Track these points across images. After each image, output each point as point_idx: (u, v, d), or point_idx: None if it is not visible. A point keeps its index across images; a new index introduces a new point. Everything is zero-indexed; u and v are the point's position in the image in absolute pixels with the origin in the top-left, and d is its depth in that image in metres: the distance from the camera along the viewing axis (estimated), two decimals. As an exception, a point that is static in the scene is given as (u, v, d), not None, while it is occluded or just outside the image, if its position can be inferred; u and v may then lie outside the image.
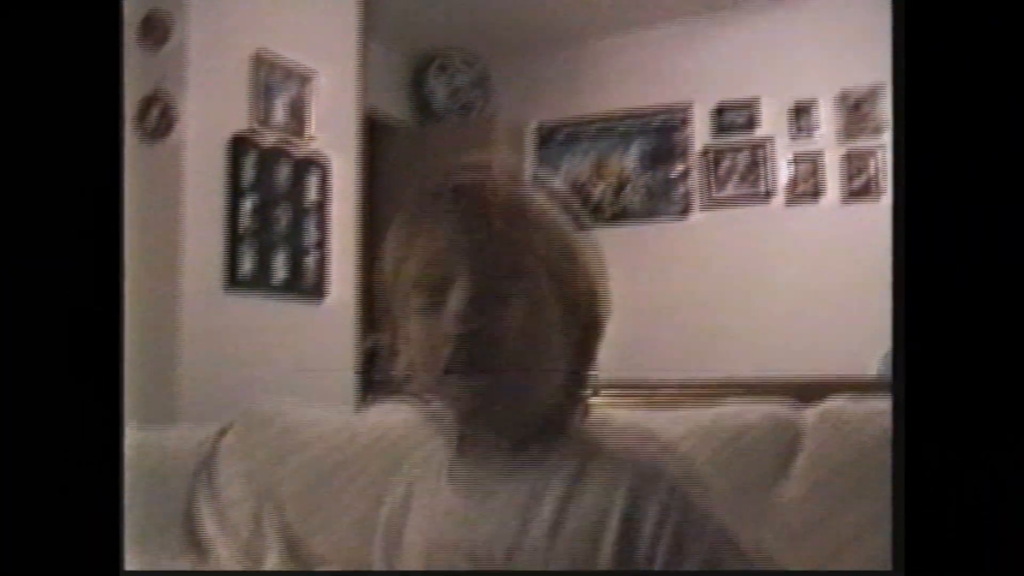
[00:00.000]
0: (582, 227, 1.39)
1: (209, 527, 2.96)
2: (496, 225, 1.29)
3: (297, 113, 5.21)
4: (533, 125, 7.15)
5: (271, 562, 2.76)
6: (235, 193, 4.85)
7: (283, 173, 5.11)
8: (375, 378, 6.61)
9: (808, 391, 2.60)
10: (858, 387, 2.57)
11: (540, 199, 1.37)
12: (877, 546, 2.10)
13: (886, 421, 2.22)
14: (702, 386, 3.61)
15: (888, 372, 4.68)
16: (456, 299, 1.26)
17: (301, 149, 5.21)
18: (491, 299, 1.26)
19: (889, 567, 2.07)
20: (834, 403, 2.38)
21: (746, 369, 5.42)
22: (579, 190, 6.87)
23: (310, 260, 5.23)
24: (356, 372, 5.43)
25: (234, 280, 4.80)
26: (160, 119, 4.66)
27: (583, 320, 1.33)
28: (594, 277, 1.36)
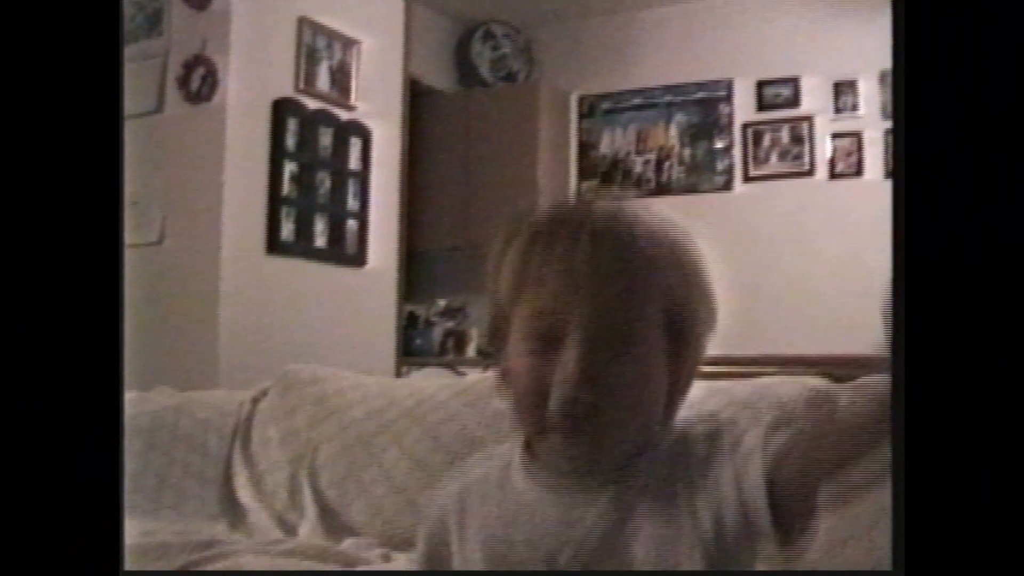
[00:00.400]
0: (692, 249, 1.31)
1: (244, 493, 2.97)
2: (612, 267, 1.21)
3: (341, 79, 5.21)
4: (576, 96, 7.12)
5: (304, 531, 2.76)
6: (277, 157, 4.86)
7: (325, 139, 5.12)
8: (414, 345, 6.63)
9: (845, 368, 2.59)
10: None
11: (655, 227, 1.27)
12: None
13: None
14: (738, 361, 3.60)
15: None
16: (569, 357, 1.19)
17: (344, 115, 5.21)
18: (605, 358, 1.19)
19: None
20: (871, 379, 2.37)
21: (784, 344, 5.40)
22: (621, 162, 6.85)
23: (351, 226, 5.24)
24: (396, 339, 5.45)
25: (275, 244, 4.82)
26: (203, 82, 4.68)
27: (687, 355, 1.27)
28: (704, 302, 1.30)
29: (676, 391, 1.27)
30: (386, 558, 2.45)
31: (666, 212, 1.31)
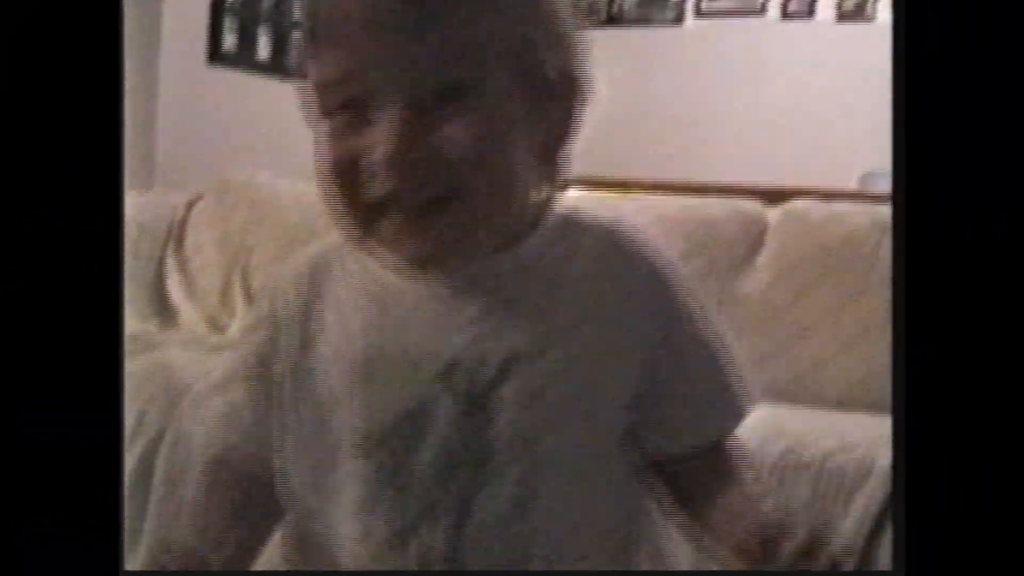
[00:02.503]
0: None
1: (176, 293, 2.98)
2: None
3: None
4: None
5: (235, 328, 2.79)
6: (219, -36, 4.75)
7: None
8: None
9: (779, 197, 2.62)
10: (829, 196, 2.59)
11: None
12: (834, 334, 2.15)
13: (851, 222, 2.26)
14: (675, 186, 3.63)
15: (864, 189, 4.60)
16: (385, 120, 0.91)
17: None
18: (431, 114, 0.91)
19: (838, 352, 2.14)
20: (800, 203, 2.40)
21: (723, 176, 5.43)
22: (573, -9, 6.75)
23: (296, 39, 5.15)
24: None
25: (216, 54, 4.73)
26: None
27: (554, 114, 0.99)
28: (571, 55, 0.99)
29: (549, 144, 1.00)
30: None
31: None
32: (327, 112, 0.95)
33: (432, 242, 0.95)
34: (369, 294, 1.03)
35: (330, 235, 1.05)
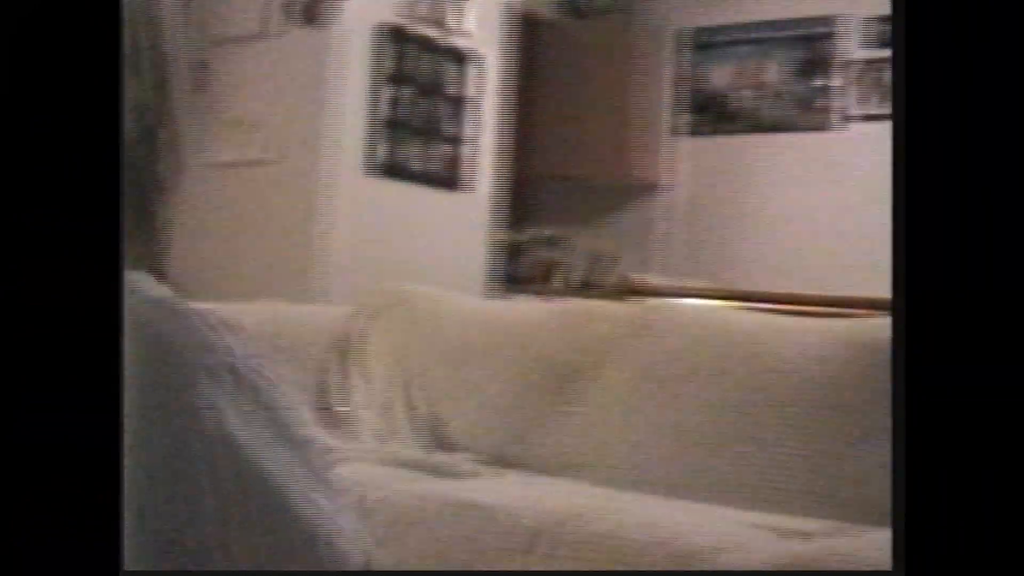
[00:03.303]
0: None
1: (339, 404, 3.04)
2: None
3: (444, 3, 5.20)
4: (674, 29, 7.03)
5: (396, 446, 2.82)
6: (378, 81, 4.89)
7: (429, 64, 5.13)
8: (507, 274, 6.63)
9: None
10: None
11: None
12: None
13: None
14: (831, 300, 3.59)
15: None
16: None
17: (448, 40, 5.21)
18: None
19: None
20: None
21: (878, 286, 5.35)
22: (719, 97, 6.77)
23: (450, 151, 5.25)
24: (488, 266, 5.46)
25: (373, 165, 4.86)
26: (308, 6, 4.71)
27: None
28: None
29: None
30: (475, 474, 2.50)
31: None
32: None
33: None
34: None
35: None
